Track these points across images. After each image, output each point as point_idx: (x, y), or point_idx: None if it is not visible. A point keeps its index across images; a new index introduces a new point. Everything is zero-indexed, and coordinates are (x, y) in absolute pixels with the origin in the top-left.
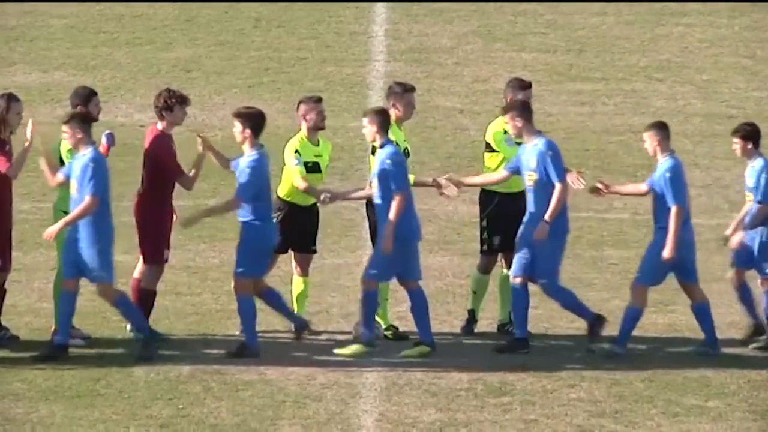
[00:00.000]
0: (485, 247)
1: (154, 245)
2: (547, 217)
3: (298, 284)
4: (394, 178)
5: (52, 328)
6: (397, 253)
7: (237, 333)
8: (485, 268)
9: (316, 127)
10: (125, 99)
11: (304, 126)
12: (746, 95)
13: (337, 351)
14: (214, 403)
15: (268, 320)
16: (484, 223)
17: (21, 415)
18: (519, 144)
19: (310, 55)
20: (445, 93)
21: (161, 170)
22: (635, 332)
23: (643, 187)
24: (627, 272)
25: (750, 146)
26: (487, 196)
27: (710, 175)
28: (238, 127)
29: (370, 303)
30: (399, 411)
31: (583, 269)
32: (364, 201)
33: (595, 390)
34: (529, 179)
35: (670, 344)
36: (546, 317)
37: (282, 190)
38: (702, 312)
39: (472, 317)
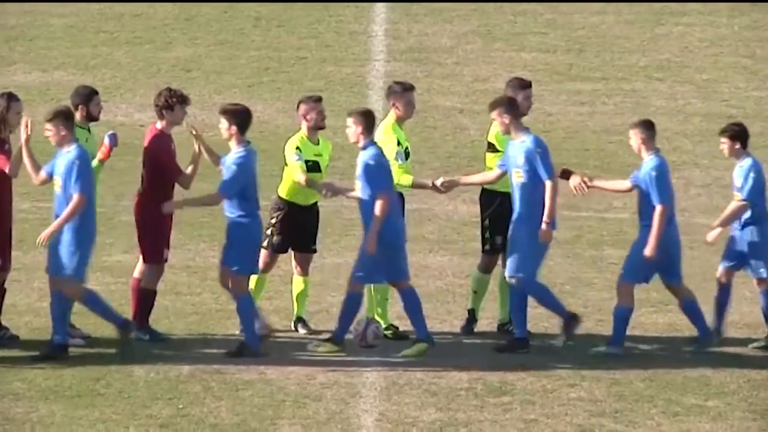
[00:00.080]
0: (487, 247)
1: (154, 245)
2: (545, 218)
3: (298, 284)
4: (376, 179)
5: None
6: (382, 256)
7: (237, 333)
8: (486, 268)
9: (317, 127)
10: (125, 98)
11: (304, 125)
12: (746, 95)
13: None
14: (214, 403)
15: (267, 320)
16: (486, 222)
17: (21, 414)
18: None
19: (310, 54)
20: (445, 93)
21: (160, 170)
22: (635, 332)
23: (626, 183)
24: None
25: (738, 146)
26: (488, 195)
27: (710, 174)
28: (224, 124)
29: (352, 304)
30: (399, 411)
31: (582, 269)
32: None
33: (595, 389)
34: (516, 176)
35: (670, 344)
36: (546, 317)
37: (283, 190)
38: (691, 308)
39: (472, 317)
